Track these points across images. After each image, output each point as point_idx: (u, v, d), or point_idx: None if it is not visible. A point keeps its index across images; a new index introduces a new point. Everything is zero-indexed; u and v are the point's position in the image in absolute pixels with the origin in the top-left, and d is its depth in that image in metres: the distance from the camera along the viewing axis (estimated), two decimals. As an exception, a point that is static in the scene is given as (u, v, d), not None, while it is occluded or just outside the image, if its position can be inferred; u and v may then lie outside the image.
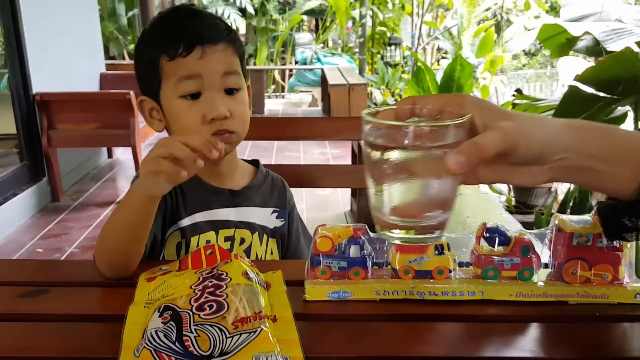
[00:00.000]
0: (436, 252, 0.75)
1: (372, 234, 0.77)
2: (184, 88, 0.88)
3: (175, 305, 0.66)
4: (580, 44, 3.16)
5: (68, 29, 4.26)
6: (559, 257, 0.75)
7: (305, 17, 10.87)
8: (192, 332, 0.62)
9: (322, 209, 3.68)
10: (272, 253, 1.04)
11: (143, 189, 0.76)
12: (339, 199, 3.82)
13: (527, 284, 0.74)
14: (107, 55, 7.32)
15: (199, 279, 0.72)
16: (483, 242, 0.76)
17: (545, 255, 0.77)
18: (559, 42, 3.29)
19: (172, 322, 0.63)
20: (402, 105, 0.60)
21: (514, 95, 3.44)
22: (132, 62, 7.37)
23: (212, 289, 0.69)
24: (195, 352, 0.59)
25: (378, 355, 0.62)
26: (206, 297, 0.67)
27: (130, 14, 9.35)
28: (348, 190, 3.70)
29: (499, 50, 6.45)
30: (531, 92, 9.83)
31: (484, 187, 3.48)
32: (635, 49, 2.24)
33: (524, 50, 10.41)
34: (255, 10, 9.64)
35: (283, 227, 1.05)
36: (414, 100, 0.60)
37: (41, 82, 3.69)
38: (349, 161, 3.94)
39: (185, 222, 0.95)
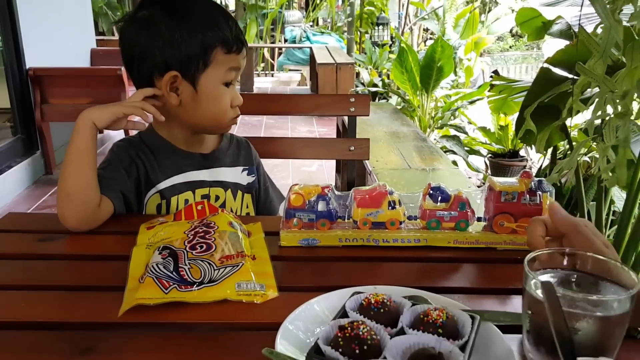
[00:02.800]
0: (389, 207, 0.90)
1: (336, 192, 0.92)
2: (229, 76, 1.06)
3: (172, 246, 0.81)
4: (555, 28, 3.29)
5: (60, 4, 4.31)
6: (489, 212, 0.90)
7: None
8: (186, 265, 0.77)
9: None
10: (247, 207, 1.18)
11: (87, 121, 0.97)
12: (325, 174, 3.97)
13: (463, 233, 0.90)
14: (97, 31, 7.32)
15: (192, 226, 0.87)
16: (428, 199, 0.91)
17: (480, 210, 0.93)
18: (535, 26, 3.42)
19: (170, 258, 0.78)
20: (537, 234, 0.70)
21: (491, 76, 3.59)
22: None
23: (202, 234, 0.84)
24: (189, 279, 0.74)
25: (338, 285, 0.76)
26: (197, 240, 0.82)
27: (119, -11, 9.31)
28: (333, 166, 3.84)
29: (484, 31, 6.56)
30: (517, 73, 9.98)
31: (462, 165, 3.64)
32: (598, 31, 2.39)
33: (510, 32, 10.53)
34: (245, -13, 9.62)
35: (255, 182, 1.21)
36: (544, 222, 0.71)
37: (34, 58, 3.76)
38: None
39: (163, 185, 1.09)
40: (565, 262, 0.63)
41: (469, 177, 3.87)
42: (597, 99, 1.01)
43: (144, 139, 1.12)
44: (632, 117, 0.97)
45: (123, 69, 3.72)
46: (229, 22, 1.05)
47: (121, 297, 0.73)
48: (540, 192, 0.89)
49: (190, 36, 1.02)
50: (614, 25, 0.92)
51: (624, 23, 1.01)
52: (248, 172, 1.20)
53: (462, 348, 0.58)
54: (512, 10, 8.21)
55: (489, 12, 8.91)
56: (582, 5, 1.05)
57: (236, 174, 1.18)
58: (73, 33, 4.63)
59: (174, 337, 0.66)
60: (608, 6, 0.94)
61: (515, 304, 0.76)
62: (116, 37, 8.82)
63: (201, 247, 0.81)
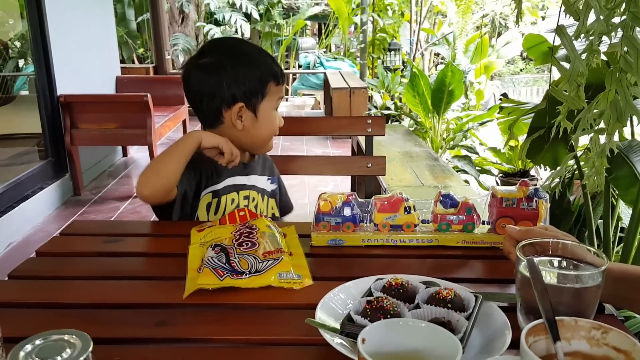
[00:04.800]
0: (406, 212, 1.05)
1: (359, 199, 1.07)
2: (277, 104, 1.33)
3: (222, 243, 0.96)
4: (560, 53, 3.44)
5: (88, 35, 4.57)
6: (493, 216, 1.04)
7: (308, 22, 11.18)
8: (235, 258, 0.91)
9: (324, 203, 3.95)
10: (272, 209, 1.40)
11: (198, 135, 1.21)
12: (340, 194, 4.10)
13: (469, 235, 1.04)
14: (118, 59, 7.63)
15: (237, 229, 1.02)
16: (439, 204, 1.05)
17: (485, 214, 1.07)
18: (542, 51, 3.57)
19: (222, 253, 0.93)
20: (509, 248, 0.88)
21: (500, 98, 3.74)
22: (142, 65, 7.55)
23: (247, 234, 0.99)
24: (239, 270, 0.89)
25: (360, 275, 0.90)
26: (243, 239, 0.97)
27: (139, 19, 9.68)
28: (348, 187, 3.99)
29: (494, 55, 6.74)
30: (528, 96, 10.12)
31: (474, 184, 3.77)
32: (603, 57, 2.54)
33: (521, 55, 10.70)
34: (261, 15, 9.96)
35: (277, 190, 1.44)
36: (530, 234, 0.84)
37: (64, 85, 3.98)
38: (349, 160, 4.23)
39: (219, 185, 1.31)
40: (550, 250, 0.76)
41: (483, 196, 3.99)
42: (580, 119, 1.15)
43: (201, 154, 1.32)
44: (607, 131, 1.11)
45: (149, 95, 3.94)
46: (274, 61, 1.31)
47: (182, 284, 0.87)
48: (536, 199, 1.02)
49: (251, 73, 1.25)
50: (578, 56, 1.07)
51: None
52: (271, 181, 1.43)
53: (467, 319, 0.72)
54: (522, 35, 8.40)
55: (498, 36, 9.12)
56: (554, 41, 1.19)
57: (264, 182, 1.40)
58: (100, 62, 4.88)
59: (229, 314, 0.81)
60: (575, 40, 1.09)
61: (512, 290, 0.89)
62: (137, 64, 9.16)
63: (247, 244, 0.95)
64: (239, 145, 1.31)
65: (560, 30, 1.09)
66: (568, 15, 1.18)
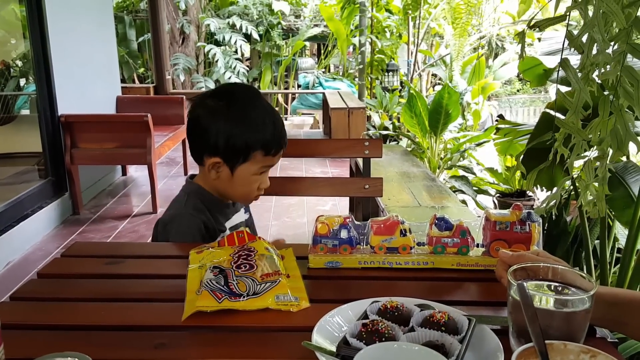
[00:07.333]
0: (401, 234, 1.06)
1: (356, 222, 1.09)
2: (262, 170, 1.30)
3: (221, 266, 0.97)
4: (555, 75, 3.50)
5: (89, 55, 4.62)
6: (487, 239, 1.06)
7: (307, 43, 11.30)
8: (234, 280, 0.93)
9: (322, 223, 3.97)
10: None
11: None
12: (338, 213, 4.11)
13: (464, 257, 1.06)
14: (119, 79, 7.69)
15: (235, 251, 1.03)
16: (434, 227, 1.07)
17: (479, 237, 1.09)
18: (537, 73, 3.63)
19: (220, 275, 0.94)
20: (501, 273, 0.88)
21: (496, 120, 3.78)
22: (143, 85, 7.68)
23: (245, 257, 1.00)
24: (237, 292, 0.90)
25: (359, 299, 0.92)
26: (241, 261, 0.99)
27: (140, 39, 9.79)
28: (346, 206, 4.01)
29: (491, 77, 6.82)
30: (525, 116, 10.21)
31: (471, 204, 3.79)
32: (597, 80, 2.58)
33: (517, 76, 10.81)
34: (260, 36, 10.07)
35: (250, 218, 1.51)
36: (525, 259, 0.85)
37: (65, 105, 4.03)
38: (347, 179, 4.25)
39: (225, 233, 1.36)
40: (541, 274, 0.78)
41: (478, 216, 4.01)
42: (575, 145, 1.18)
43: (202, 201, 1.34)
44: (608, 160, 1.14)
45: (149, 115, 3.97)
46: (275, 129, 1.28)
47: (181, 306, 0.89)
48: (529, 222, 1.04)
49: (240, 135, 1.24)
50: (583, 87, 1.10)
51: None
52: (245, 210, 1.48)
53: (461, 342, 0.73)
54: (519, 56, 8.48)
55: (495, 57, 9.22)
56: (558, 72, 1.23)
57: (242, 214, 1.46)
58: (101, 81, 4.93)
59: (227, 336, 0.82)
60: (579, 74, 1.12)
61: (505, 313, 0.91)
62: (137, 84, 9.24)
63: (245, 267, 0.97)
64: (216, 191, 1.34)
65: (564, 63, 1.12)
66: (572, 50, 1.21)
